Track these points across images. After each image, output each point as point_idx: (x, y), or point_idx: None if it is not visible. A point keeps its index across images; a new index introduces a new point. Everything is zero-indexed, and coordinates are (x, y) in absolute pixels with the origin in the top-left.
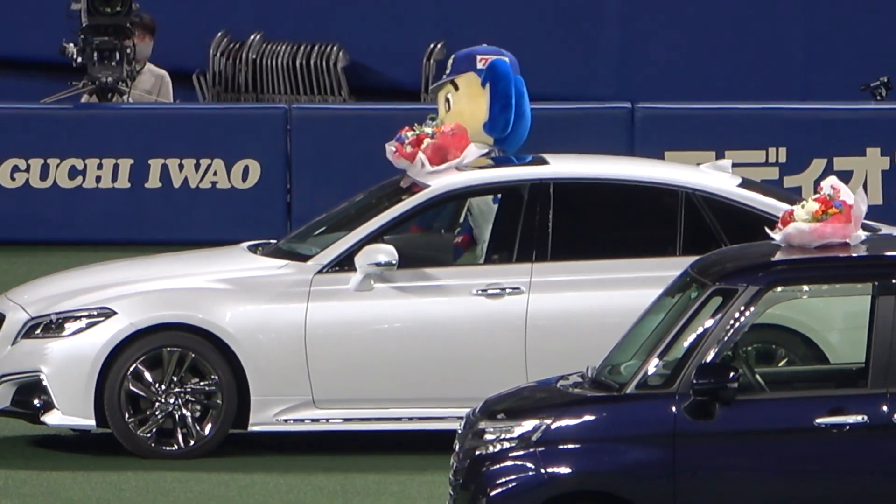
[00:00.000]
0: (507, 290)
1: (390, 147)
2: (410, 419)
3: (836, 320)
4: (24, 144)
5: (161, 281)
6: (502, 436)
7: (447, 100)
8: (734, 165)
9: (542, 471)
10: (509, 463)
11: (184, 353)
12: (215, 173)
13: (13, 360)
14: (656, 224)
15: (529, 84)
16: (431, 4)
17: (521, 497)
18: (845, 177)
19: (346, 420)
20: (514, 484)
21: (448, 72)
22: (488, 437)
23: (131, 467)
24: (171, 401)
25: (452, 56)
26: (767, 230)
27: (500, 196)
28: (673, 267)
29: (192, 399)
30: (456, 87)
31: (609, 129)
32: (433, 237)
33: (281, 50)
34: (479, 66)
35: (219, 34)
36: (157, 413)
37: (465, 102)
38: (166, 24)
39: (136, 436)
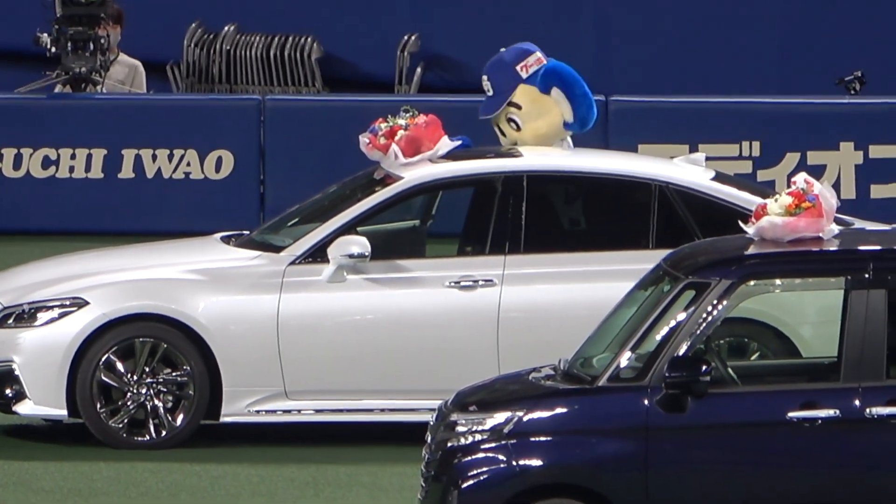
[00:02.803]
0: (480, 283)
1: (364, 138)
2: (382, 411)
3: (808, 314)
4: None
5: (134, 271)
6: (474, 428)
7: (511, 121)
8: (708, 159)
9: (514, 463)
10: (481, 455)
11: (156, 343)
12: (189, 164)
13: None
14: (629, 217)
15: None
16: None
17: (492, 489)
18: (818, 171)
19: (318, 411)
20: (485, 476)
21: (491, 94)
22: (460, 428)
23: (103, 457)
24: (143, 391)
25: (484, 78)
26: (741, 224)
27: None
28: (646, 260)
29: (164, 390)
30: (518, 107)
31: None
32: (406, 229)
33: (255, 41)
34: (524, 74)
35: (193, 25)
36: (128, 403)
37: (535, 116)
38: (140, 15)
39: (108, 426)
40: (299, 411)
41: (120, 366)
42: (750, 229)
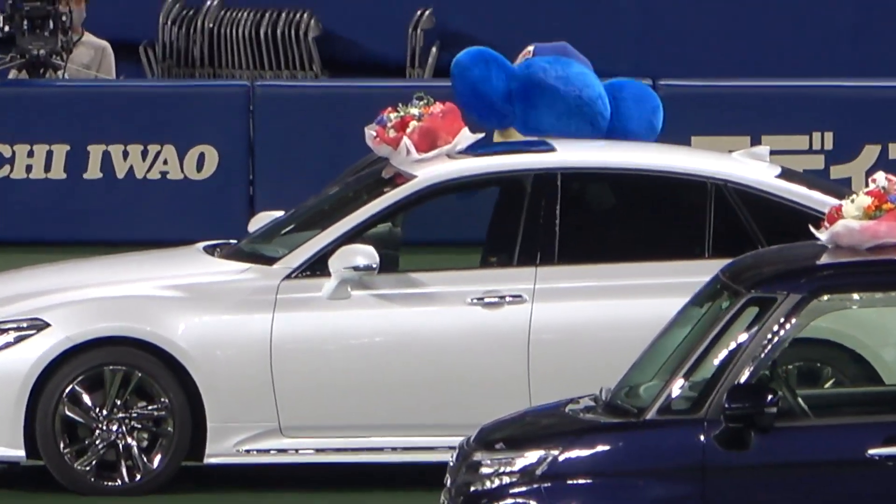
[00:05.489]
0: (507, 299)
1: (370, 131)
2: (394, 450)
3: (891, 334)
4: None
5: (102, 288)
6: (501, 469)
7: None
8: (772, 153)
9: None
10: (509, 501)
11: (129, 372)
12: (166, 162)
13: None
14: (681, 221)
15: None
16: None
17: None
18: None
19: (319, 451)
20: None
21: None
22: (485, 470)
23: None
24: (114, 428)
25: None
26: (811, 229)
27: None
28: (701, 272)
29: (139, 426)
30: None
31: None
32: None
33: (242, 18)
34: None
35: None
36: (97, 442)
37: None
38: None
39: (74, 469)
40: (297, 451)
41: (87, 398)
42: (822, 235)
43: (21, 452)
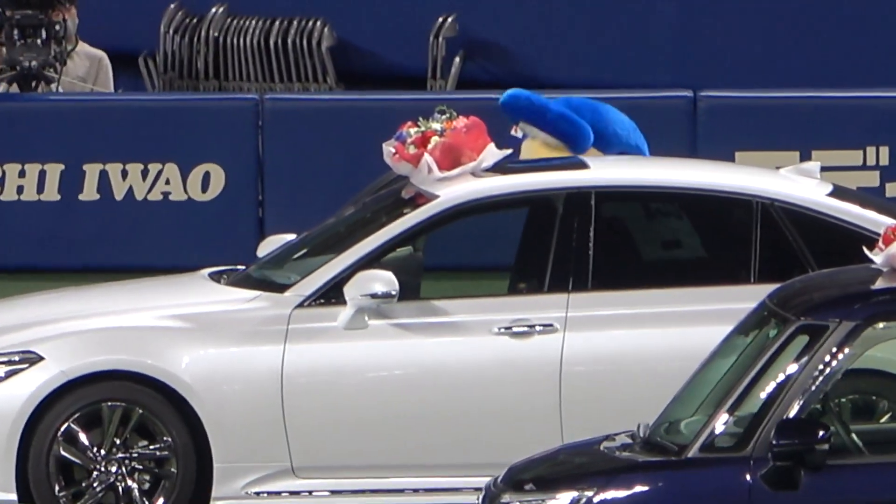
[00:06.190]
0: (537, 328)
1: (389, 148)
2: (415, 491)
3: None
4: None
5: (100, 318)
6: None
7: None
8: (823, 169)
9: None
10: None
11: (129, 408)
12: (168, 182)
13: None
14: (725, 244)
15: (567, 71)
16: None
17: None
18: None
19: (334, 493)
20: None
21: None
22: None
23: None
24: (114, 469)
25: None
26: (865, 251)
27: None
28: (746, 298)
29: (140, 467)
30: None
31: (666, 124)
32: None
33: (250, 26)
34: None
35: (172, 6)
36: (95, 485)
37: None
38: None
39: None
40: (310, 493)
41: (83, 437)
42: (877, 258)
43: (13, 496)
